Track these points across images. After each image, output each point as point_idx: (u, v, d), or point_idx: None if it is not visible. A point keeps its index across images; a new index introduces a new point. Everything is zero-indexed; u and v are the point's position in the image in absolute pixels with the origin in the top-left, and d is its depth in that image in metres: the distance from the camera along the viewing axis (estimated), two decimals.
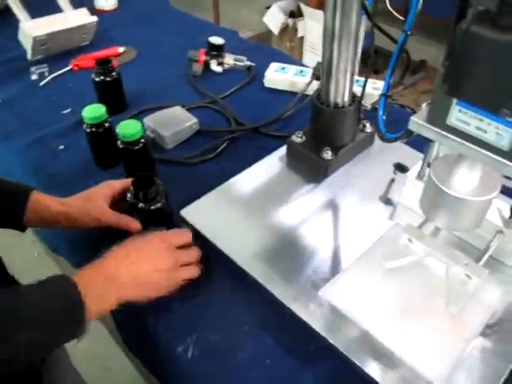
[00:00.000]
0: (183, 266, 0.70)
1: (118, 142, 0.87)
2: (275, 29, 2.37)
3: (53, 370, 0.79)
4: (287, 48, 2.39)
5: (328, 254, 0.75)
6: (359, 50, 0.79)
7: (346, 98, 0.83)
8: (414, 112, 0.50)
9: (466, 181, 0.50)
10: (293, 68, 1.16)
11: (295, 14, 2.36)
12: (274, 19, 2.34)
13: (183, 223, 0.81)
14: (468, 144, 0.45)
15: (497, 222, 0.71)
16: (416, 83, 1.16)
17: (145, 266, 0.66)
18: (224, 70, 1.22)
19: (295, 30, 2.35)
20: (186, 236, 0.73)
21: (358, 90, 0.85)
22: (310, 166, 0.87)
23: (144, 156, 0.90)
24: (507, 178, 0.45)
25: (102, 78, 1.06)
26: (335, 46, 0.77)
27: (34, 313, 0.55)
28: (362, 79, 0.84)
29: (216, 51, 1.20)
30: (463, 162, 0.50)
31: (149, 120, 1.02)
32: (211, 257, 0.76)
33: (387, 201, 0.82)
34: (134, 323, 0.74)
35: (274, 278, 0.71)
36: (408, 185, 0.76)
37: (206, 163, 0.97)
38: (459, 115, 0.45)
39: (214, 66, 1.20)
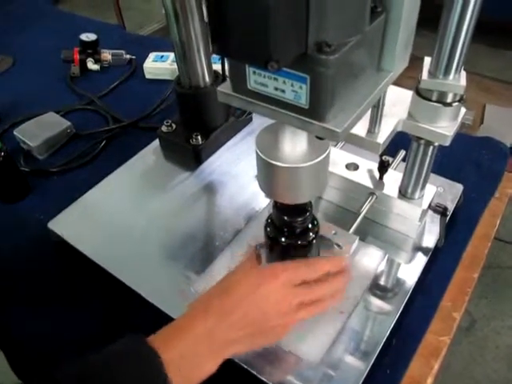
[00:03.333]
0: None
1: None
2: None
3: None
4: None
5: (201, 245, 0.70)
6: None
7: (207, 78, 0.79)
8: None
9: (291, 148, 0.47)
10: (172, 55, 1.10)
11: None
12: None
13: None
14: (271, 107, 0.42)
15: (368, 185, 0.69)
16: None
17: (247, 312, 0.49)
18: (103, 67, 1.15)
19: None
20: (321, 267, 0.54)
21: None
22: (182, 154, 0.82)
23: (8, 170, 0.83)
24: (319, 138, 0.42)
25: None
26: (181, 24, 0.72)
27: None
28: None
29: (90, 48, 1.13)
30: (284, 128, 0.46)
31: (19, 131, 0.95)
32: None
33: None
34: None
35: (154, 284, 0.66)
36: None
37: (83, 169, 0.91)
38: (256, 77, 0.41)
39: (91, 65, 1.13)
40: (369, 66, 0.44)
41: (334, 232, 0.63)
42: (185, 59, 0.76)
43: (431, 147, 0.60)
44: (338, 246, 0.63)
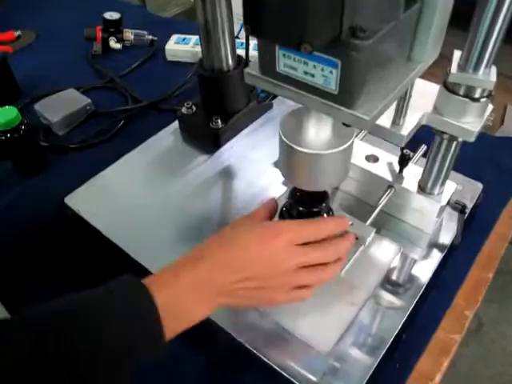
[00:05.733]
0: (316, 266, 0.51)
1: None
2: None
3: None
4: None
5: (215, 227, 0.70)
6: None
7: (230, 62, 0.78)
8: None
9: (315, 134, 0.46)
10: (194, 38, 1.10)
11: None
12: None
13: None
14: (299, 91, 0.41)
15: (387, 178, 0.68)
16: None
17: (247, 269, 0.48)
18: (125, 47, 1.15)
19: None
20: (326, 226, 0.52)
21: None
22: (201, 137, 0.82)
23: (28, 144, 0.83)
24: (345, 124, 0.41)
25: None
26: (208, 8, 0.71)
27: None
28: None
29: (113, 27, 1.13)
30: (310, 113, 0.46)
31: (39, 106, 0.95)
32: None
33: None
34: None
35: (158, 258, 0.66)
36: None
37: (101, 146, 0.91)
38: (285, 60, 0.40)
39: (113, 44, 1.13)
40: (400, 54, 0.44)
41: (350, 223, 0.63)
42: (209, 42, 0.75)
43: (454, 143, 0.59)
44: (355, 236, 0.62)
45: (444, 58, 0.53)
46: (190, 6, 2.34)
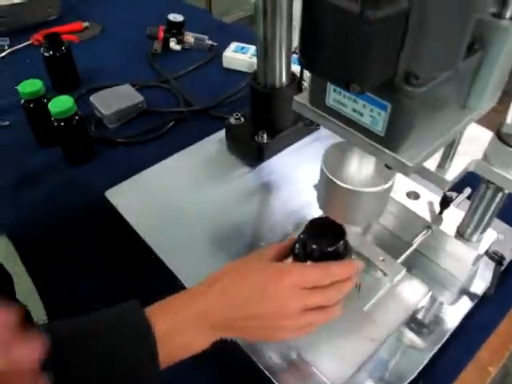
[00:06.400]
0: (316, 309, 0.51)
1: (52, 119, 0.84)
2: None
3: None
4: None
5: (247, 241, 0.71)
6: (295, 24, 0.74)
7: (284, 79, 0.78)
8: None
9: (357, 170, 0.46)
10: (252, 48, 1.11)
11: None
12: None
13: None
14: (345, 127, 0.41)
15: (426, 217, 0.67)
16: None
17: (244, 307, 0.48)
18: (184, 49, 1.18)
19: None
20: (334, 272, 0.51)
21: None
22: (246, 149, 0.83)
23: (79, 134, 0.87)
24: (388, 167, 0.41)
25: (50, 52, 1.02)
26: (268, 22, 0.72)
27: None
28: None
29: (175, 29, 1.15)
30: (355, 149, 0.46)
31: (94, 98, 0.98)
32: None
33: None
34: None
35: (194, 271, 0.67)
36: None
37: (148, 144, 0.93)
38: (335, 95, 0.40)
39: (174, 45, 1.16)
40: (454, 102, 0.43)
41: (382, 258, 0.62)
42: (265, 57, 0.76)
43: (501, 193, 0.58)
44: (383, 272, 0.61)
45: (508, 96, 0.51)
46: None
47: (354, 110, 0.40)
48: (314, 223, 0.53)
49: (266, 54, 0.76)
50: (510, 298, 0.69)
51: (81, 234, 0.77)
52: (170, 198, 0.78)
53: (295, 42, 0.78)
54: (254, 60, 1.08)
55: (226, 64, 1.12)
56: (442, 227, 0.65)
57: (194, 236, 0.72)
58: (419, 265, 0.68)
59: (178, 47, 1.16)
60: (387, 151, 0.39)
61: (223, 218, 0.74)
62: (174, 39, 1.15)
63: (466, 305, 0.65)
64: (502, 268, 0.65)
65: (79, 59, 1.09)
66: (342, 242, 0.52)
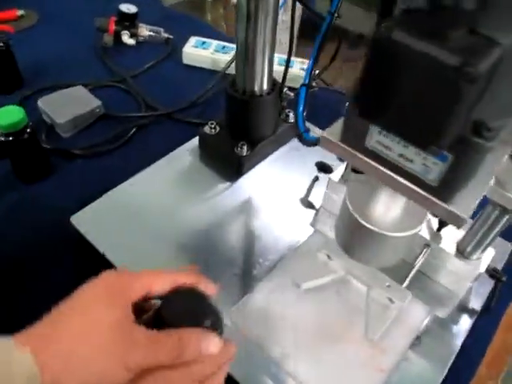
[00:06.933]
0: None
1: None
2: None
3: None
4: (221, 15, 2.23)
5: (237, 271, 0.65)
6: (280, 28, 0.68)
7: (265, 86, 0.72)
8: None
9: (385, 211, 0.42)
10: (214, 43, 1.03)
11: None
12: None
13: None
14: (389, 173, 0.37)
15: (425, 235, 0.65)
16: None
17: None
18: (138, 43, 1.08)
19: None
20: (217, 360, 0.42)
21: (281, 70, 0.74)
22: (224, 162, 0.76)
23: (32, 148, 0.76)
24: (434, 215, 0.37)
25: None
26: (251, 28, 0.66)
27: None
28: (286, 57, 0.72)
29: (128, 21, 1.05)
30: (384, 189, 0.41)
31: (43, 103, 0.87)
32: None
33: (309, 204, 0.74)
34: None
35: None
36: (330, 188, 0.68)
37: (109, 154, 0.84)
38: (380, 138, 0.36)
39: (126, 39, 1.05)
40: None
41: (387, 284, 0.59)
42: (246, 62, 0.69)
43: (508, 215, 0.56)
44: (390, 300, 0.59)
45: None
46: None
47: (402, 156, 0.35)
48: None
49: (246, 59, 0.69)
50: (501, 308, 0.69)
51: (41, 262, 0.68)
52: (144, 221, 0.70)
53: (278, 47, 0.72)
54: (217, 56, 1.01)
55: (186, 61, 1.04)
56: (442, 245, 0.63)
57: (173, 263, 0.66)
58: (416, 281, 0.66)
59: (132, 41, 1.05)
60: (440, 202, 0.35)
61: (203, 242, 0.68)
62: (126, 32, 1.05)
63: (465, 322, 0.64)
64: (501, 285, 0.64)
65: (17, 53, 0.96)
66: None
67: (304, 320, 0.60)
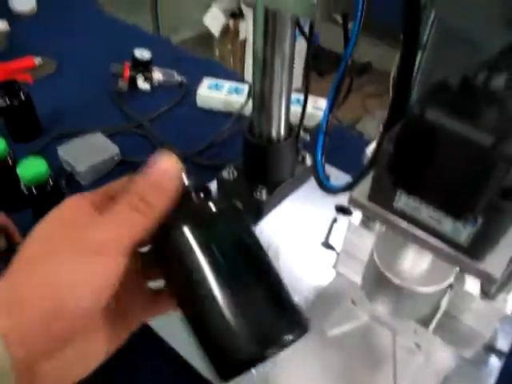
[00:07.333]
0: None
1: (22, 185, 0.74)
2: (216, 31, 2.23)
3: None
4: (229, 51, 2.27)
5: None
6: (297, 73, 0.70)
7: (282, 132, 0.74)
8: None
9: (413, 266, 0.42)
10: (227, 84, 1.05)
11: (237, 14, 2.24)
12: (214, 21, 2.20)
13: None
14: (419, 233, 0.37)
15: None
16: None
17: None
18: (153, 87, 1.10)
19: (237, 31, 2.23)
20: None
21: (297, 110, 0.75)
22: (243, 207, 0.77)
23: (55, 199, 0.77)
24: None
25: (7, 102, 0.91)
26: (267, 76, 0.67)
27: None
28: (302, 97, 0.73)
29: (142, 66, 1.07)
30: (412, 245, 0.42)
31: (63, 151, 0.89)
32: None
33: (329, 246, 0.74)
34: None
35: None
36: (351, 231, 0.68)
37: None
38: (408, 201, 0.36)
39: (141, 83, 1.08)
40: None
41: (414, 330, 0.59)
42: (262, 108, 0.71)
43: None
44: (417, 345, 0.59)
45: None
46: (205, 30, 2.30)
47: (431, 218, 0.36)
48: None
49: (263, 105, 0.71)
50: None
51: None
52: None
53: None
54: (230, 98, 1.03)
55: (200, 103, 1.06)
56: (466, 286, 0.63)
57: None
58: (441, 322, 0.66)
59: (146, 86, 1.08)
60: (471, 262, 0.36)
61: None
62: (141, 76, 1.08)
63: (495, 364, 0.63)
64: None
65: (35, 102, 0.99)
66: None
67: (328, 368, 0.60)
